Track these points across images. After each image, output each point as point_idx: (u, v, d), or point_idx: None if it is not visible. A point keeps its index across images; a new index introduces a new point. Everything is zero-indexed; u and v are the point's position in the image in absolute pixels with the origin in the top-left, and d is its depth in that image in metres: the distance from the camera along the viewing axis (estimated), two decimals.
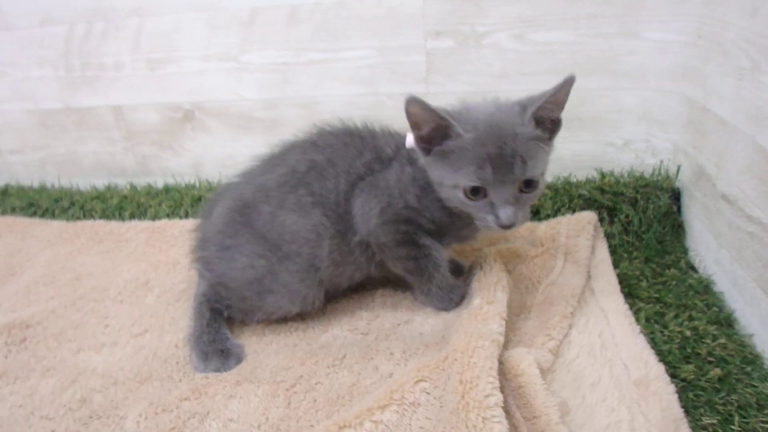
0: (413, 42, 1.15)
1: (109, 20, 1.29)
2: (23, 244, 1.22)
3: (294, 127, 1.22)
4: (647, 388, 0.64)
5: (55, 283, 1.05)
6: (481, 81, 1.14)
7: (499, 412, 0.57)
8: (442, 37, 1.13)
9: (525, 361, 0.66)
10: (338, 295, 0.90)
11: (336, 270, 0.84)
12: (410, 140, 0.78)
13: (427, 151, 0.75)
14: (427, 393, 0.64)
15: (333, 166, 0.82)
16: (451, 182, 0.73)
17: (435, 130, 0.72)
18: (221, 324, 0.84)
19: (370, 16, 1.15)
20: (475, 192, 0.72)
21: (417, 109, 0.71)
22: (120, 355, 0.84)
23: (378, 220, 0.80)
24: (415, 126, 0.73)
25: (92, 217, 1.33)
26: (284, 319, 0.87)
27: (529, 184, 0.72)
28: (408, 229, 0.81)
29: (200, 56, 1.27)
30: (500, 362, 0.66)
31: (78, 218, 1.33)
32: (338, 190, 0.81)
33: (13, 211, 1.38)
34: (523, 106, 0.72)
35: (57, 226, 1.28)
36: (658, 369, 0.67)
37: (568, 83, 0.70)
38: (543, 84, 0.74)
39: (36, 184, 1.51)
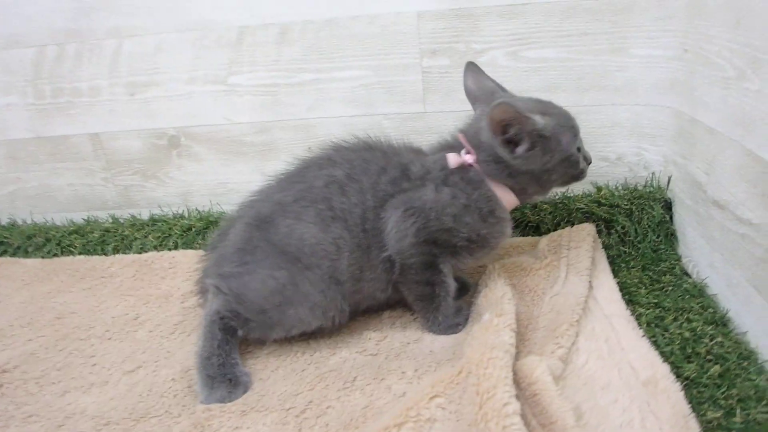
0: (409, 61, 1.23)
1: (83, 42, 1.32)
2: None
3: (288, 150, 1.32)
4: (656, 387, 0.72)
5: (33, 324, 1.05)
6: None
7: (518, 419, 0.63)
8: (438, 56, 1.22)
9: (538, 368, 0.72)
10: (357, 314, 0.96)
11: (355, 285, 0.90)
12: (453, 161, 0.89)
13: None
14: (443, 408, 0.70)
15: (355, 182, 0.89)
16: (573, 149, 0.92)
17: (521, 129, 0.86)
18: (233, 347, 0.87)
19: (363, 34, 1.22)
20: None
21: (505, 113, 0.84)
22: (112, 394, 0.84)
23: (413, 239, 0.87)
24: (501, 129, 0.86)
25: (71, 253, 1.33)
26: (290, 344, 0.91)
27: None
28: (437, 252, 0.89)
29: (186, 78, 1.32)
30: (513, 372, 0.73)
31: (55, 255, 1.34)
32: (365, 206, 0.88)
33: None
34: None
35: (32, 264, 1.29)
36: (664, 369, 0.74)
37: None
38: None
39: (5, 222, 1.51)
